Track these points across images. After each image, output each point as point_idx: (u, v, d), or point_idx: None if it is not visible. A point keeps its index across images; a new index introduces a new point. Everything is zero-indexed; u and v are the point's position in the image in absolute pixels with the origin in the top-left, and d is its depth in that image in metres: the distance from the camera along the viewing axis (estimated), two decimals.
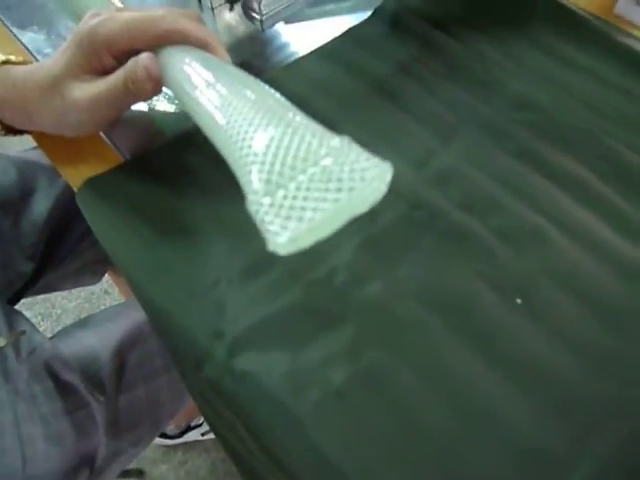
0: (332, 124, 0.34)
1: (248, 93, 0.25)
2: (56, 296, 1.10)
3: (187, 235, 0.30)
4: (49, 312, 1.08)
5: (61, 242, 0.58)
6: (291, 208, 0.20)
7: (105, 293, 1.11)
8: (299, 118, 0.24)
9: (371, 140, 0.34)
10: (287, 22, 0.43)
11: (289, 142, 0.22)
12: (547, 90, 0.36)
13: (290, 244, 0.20)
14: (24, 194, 0.53)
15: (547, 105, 0.36)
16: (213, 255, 0.29)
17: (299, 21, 0.43)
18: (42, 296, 1.08)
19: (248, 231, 0.29)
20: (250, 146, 0.22)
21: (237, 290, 0.28)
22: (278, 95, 0.26)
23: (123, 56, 0.29)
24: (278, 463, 0.25)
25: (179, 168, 0.33)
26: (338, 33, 0.41)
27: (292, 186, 0.21)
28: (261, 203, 0.21)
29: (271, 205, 0.21)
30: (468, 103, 0.36)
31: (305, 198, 0.21)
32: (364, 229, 0.30)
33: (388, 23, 0.41)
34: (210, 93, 0.25)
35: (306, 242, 0.21)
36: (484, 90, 0.37)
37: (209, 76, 0.27)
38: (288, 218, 0.20)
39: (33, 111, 0.30)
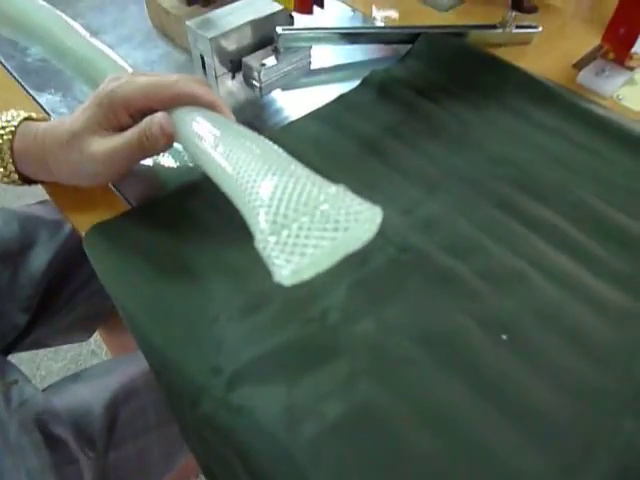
0: (326, 177, 0.37)
1: (253, 146, 0.28)
2: (42, 357, 1.08)
3: (188, 276, 0.32)
4: (34, 373, 1.06)
5: (55, 296, 0.59)
6: (294, 245, 0.23)
7: (92, 354, 1.09)
8: (300, 169, 0.27)
9: (361, 190, 0.36)
10: (284, 89, 0.47)
11: (292, 189, 0.25)
12: (522, 149, 0.40)
13: (293, 276, 0.23)
14: (24, 247, 0.55)
15: (523, 162, 0.39)
16: (213, 294, 0.31)
17: (294, 89, 0.47)
18: (27, 357, 1.06)
19: (246, 272, 0.31)
20: (257, 192, 0.25)
21: (235, 327, 0.29)
22: (279, 148, 0.29)
23: (138, 115, 0.32)
24: None
25: (181, 215, 0.35)
26: (329, 99, 0.45)
27: (295, 226, 0.23)
28: (267, 241, 0.23)
29: (276, 243, 0.23)
30: (449, 160, 0.39)
31: (307, 236, 0.23)
32: (355, 271, 0.32)
33: (376, 90, 0.45)
34: (219, 147, 0.28)
35: (307, 274, 0.23)
36: (464, 149, 0.40)
37: (217, 132, 0.30)
38: (292, 253, 0.23)
39: (51, 163, 0.33)
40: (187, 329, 0.30)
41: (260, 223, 0.24)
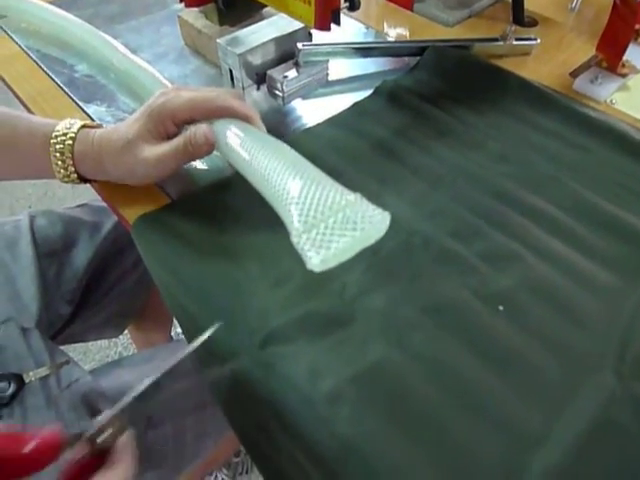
0: (343, 175, 0.42)
1: (281, 154, 0.34)
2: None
3: (223, 258, 0.36)
4: None
5: (92, 291, 0.64)
6: (322, 240, 0.29)
7: (119, 356, 1.14)
8: (321, 175, 0.32)
9: (375, 185, 0.41)
10: (304, 99, 0.52)
11: (319, 194, 0.30)
12: (520, 148, 0.44)
13: (321, 264, 0.29)
14: (67, 245, 0.60)
15: (520, 159, 0.43)
16: (246, 272, 0.35)
17: (313, 98, 0.52)
18: None
19: (275, 254, 0.36)
20: (288, 193, 0.31)
21: (267, 299, 0.34)
22: (302, 157, 0.34)
23: (183, 124, 0.37)
24: (304, 448, 0.29)
25: (215, 207, 0.40)
26: (345, 107, 0.49)
27: (322, 226, 0.29)
28: (301, 237, 0.29)
29: (308, 239, 0.29)
30: (454, 158, 0.43)
31: (331, 234, 0.29)
32: (371, 253, 0.36)
33: (387, 98, 0.50)
34: (252, 153, 0.34)
35: (332, 263, 0.29)
36: (467, 149, 0.44)
37: (250, 141, 0.35)
38: (320, 247, 0.29)
39: (107, 165, 0.38)
40: (223, 302, 0.34)
41: (294, 222, 0.29)
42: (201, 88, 0.39)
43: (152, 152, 0.36)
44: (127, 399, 0.24)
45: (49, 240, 0.59)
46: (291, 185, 0.31)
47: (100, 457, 0.25)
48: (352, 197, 0.30)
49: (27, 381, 0.47)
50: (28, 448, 0.22)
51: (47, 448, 0.22)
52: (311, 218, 0.29)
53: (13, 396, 0.46)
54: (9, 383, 0.46)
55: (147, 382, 0.24)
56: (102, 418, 0.24)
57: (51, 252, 0.58)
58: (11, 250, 0.57)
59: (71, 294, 0.59)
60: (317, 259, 0.28)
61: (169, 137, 0.37)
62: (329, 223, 0.29)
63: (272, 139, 0.36)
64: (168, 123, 0.37)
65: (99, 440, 0.24)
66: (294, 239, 0.29)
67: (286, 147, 0.35)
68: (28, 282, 0.56)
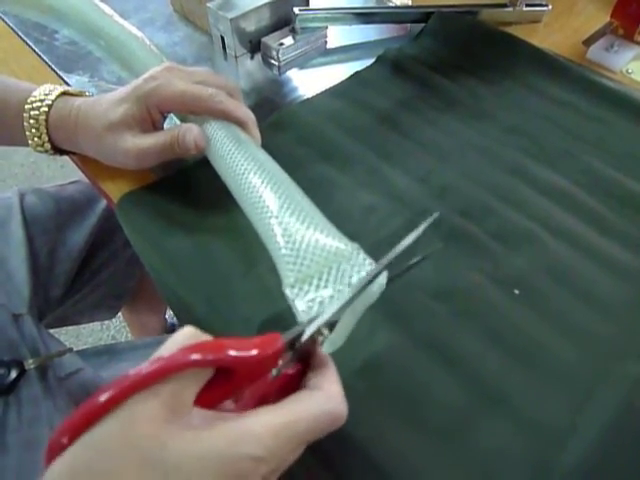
0: (344, 149, 0.39)
1: (270, 177, 0.30)
2: (63, 341, 1.11)
3: (215, 236, 0.33)
4: None
5: (84, 271, 0.61)
6: (315, 296, 0.25)
7: (112, 339, 1.12)
8: (315, 211, 0.29)
9: (378, 160, 0.38)
10: (301, 68, 0.49)
11: (315, 243, 0.27)
12: (533, 120, 0.41)
13: (330, 347, 0.24)
14: (60, 225, 0.57)
15: (533, 132, 0.40)
16: (240, 253, 0.32)
17: (311, 67, 0.49)
18: None
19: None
20: (274, 231, 0.28)
21: (264, 282, 0.31)
22: (299, 189, 0.30)
23: (169, 113, 0.35)
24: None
25: (204, 183, 0.37)
26: (345, 77, 0.46)
27: (315, 282, 0.26)
28: (292, 292, 0.26)
29: (297, 295, 0.25)
30: (462, 131, 0.41)
31: (325, 287, 0.25)
32: (375, 234, 0.33)
33: (390, 67, 0.47)
34: (243, 172, 0.31)
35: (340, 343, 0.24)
36: (476, 120, 0.42)
37: (245, 160, 0.31)
38: (313, 301, 0.25)
39: (81, 139, 0.35)
40: (214, 284, 0.31)
41: (289, 277, 0.26)
42: (196, 71, 0.35)
43: (135, 144, 0.33)
44: (331, 310, 0.22)
45: (41, 219, 0.56)
46: (282, 218, 0.28)
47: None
48: (349, 248, 0.27)
49: (27, 368, 0.45)
50: (267, 351, 0.19)
51: (274, 352, 0.20)
52: (305, 267, 0.26)
53: (14, 383, 0.43)
54: (9, 370, 0.44)
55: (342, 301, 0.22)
56: (312, 325, 0.22)
57: (43, 232, 0.55)
58: (1, 231, 0.53)
59: (64, 276, 0.56)
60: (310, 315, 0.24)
61: (153, 124, 0.35)
62: (322, 275, 0.25)
63: (265, 157, 0.32)
64: (154, 111, 0.34)
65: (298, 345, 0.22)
66: (286, 289, 0.26)
67: (279, 170, 0.32)
68: (19, 264, 0.53)
